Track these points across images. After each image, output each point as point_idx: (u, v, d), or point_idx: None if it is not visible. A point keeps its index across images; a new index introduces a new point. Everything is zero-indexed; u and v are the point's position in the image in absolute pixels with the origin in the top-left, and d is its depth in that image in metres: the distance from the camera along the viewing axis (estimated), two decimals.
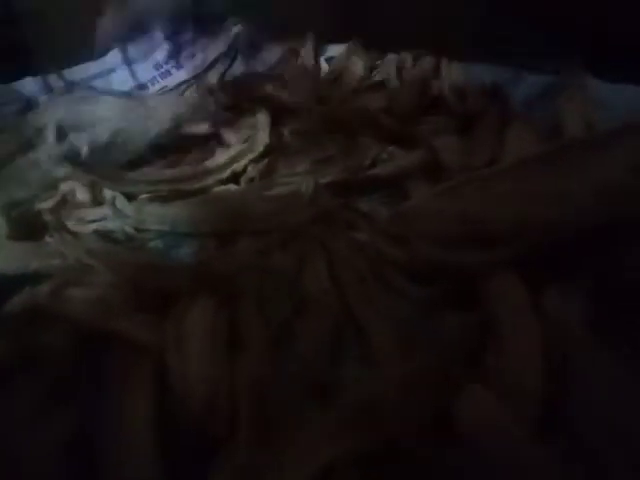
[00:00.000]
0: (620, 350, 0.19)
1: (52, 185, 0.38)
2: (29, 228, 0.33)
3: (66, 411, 0.21)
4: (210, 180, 0.36)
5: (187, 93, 0.57)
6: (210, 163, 0.39)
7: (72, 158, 0.39)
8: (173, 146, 0.42)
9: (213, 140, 0.43)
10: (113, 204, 0.32)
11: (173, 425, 0.20)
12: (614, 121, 0.33)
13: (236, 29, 0.60)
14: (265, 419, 0.19)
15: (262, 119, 0.41)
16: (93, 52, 0.58)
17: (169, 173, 0.37)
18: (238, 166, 0.36)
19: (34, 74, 0.55)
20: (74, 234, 0.30)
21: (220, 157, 0.39)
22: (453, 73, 0.48)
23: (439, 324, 0.24)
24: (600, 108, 0.37)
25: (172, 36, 0.60)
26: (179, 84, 0.59)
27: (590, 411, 0.17)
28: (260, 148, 0.38)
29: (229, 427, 0.19)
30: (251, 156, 0.37)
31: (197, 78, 0.60)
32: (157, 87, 0.59)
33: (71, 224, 0.32)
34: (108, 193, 0.33)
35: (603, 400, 0.17)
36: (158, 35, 0.59)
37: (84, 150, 0.40)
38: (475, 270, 0.23)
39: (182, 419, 0.19)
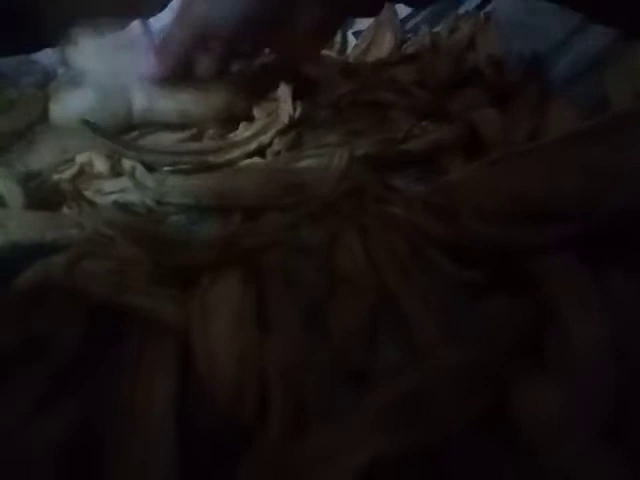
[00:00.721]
0: None
1: (69, 156, 0.36)
2: (46, 199, 0.32)
3: (72, 400, 0.19)
4: (236, 153, 0.34)
5: None
6: (235, 136, 0.37)
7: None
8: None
9: None
10: (133, 175, 0.30)
11: (197, 411, 0.18)
12: None
13: None
14: (298, 406, 0.17)
15: (284, 91, 0.39)
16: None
17: (194, 146, 0.36)
18: (265, 138, 0.34)
19: (52, 46, 0.53)
20: (92, 204, 0.29)
21: (245, 130, 0.37)
22: (489, 44, 0.45)
23: (488, 309, 0.22)
24: None
25: None
26: None
27: None
28: (285, 120, 0.36)
29: (259, 414, 0.17)
30: (276, 128, 0.35)
31: None
32: None
33: (89, 195, 0.31)
34: (127, 163, 0.32)
35: None
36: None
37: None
38: (531, 249, 0.21)
39: (207, 403, 0.18)
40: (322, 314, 0.22)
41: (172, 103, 0.37)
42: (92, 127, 0.33)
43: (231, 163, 0.34)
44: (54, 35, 0.54)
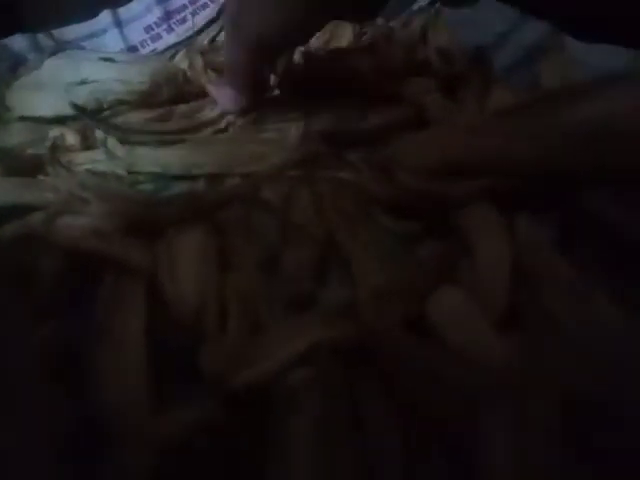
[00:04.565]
0: (583, 268, 0.21)
1: (42, 134, 0.38)
2: (21, 170, 0.34)
3: (54, 326, 0.21)
4: (209, 131, 0.36)
5: (177, 56, 0.58)
6: (203, 116, 0.39)
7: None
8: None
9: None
10: (105, 145, 0.33)
11: (164, 332, 0.21)
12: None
13: None
14: (253, 319, 0.20)
15: None
16: (83, 13, 0.58)
17: (171, 125, 0.38)
18: (232, 116, 0.37)
19: (23, 32, 0.55)
20: (68, 170, 0.31)
21: (212, 110, 0.40)
22: (439, 37, 0.49)
23: (419, 252, 0.25)
24: (578, 69, 0.39)
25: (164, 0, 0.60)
26: (169, 47, 0.59)
27: (552, 314, 0.19)
28: None
29: (218, 327, 0.20)
30: None
31: (187, 42, 0.60)
32: (147, 50, 0.59)
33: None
34: (100, 134, 0.34)
35: (565, 305, 0.19)
36: None
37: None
38: (454, 200, 0.24)
39: (173, 325, 0.20)
40: (277, 259, 0.25)
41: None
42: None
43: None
44: (25, 21, 0.56)
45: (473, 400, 0.15)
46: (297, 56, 0.46)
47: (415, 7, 0.55)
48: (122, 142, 0.34)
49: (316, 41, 0.55)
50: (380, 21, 0.55)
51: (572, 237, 0.23)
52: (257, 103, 0.36)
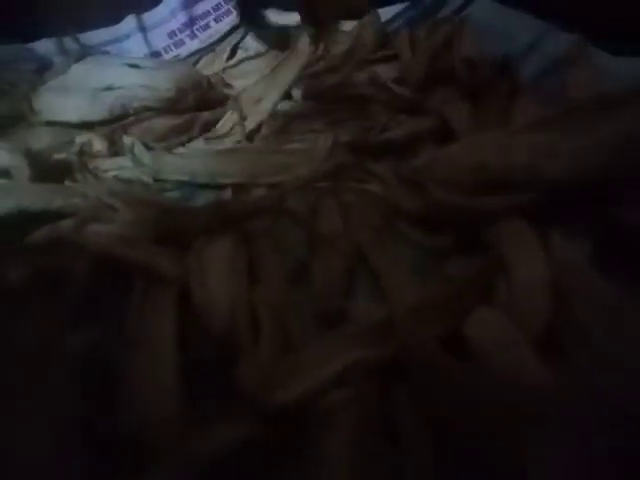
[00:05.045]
0: (618, 284, 0.20)
1: (68, 138, 0.39)
2: (49, 174, 0.34)
3: (84, 332, 0.21)
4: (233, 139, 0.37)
5: (200, 62, 0.58)
6: (222, 127, 0.40)
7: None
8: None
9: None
10: (131, 151, 0.33)
11: (196, 344, 0.21)
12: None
13: None
14: (284, 335, 0.20)
15: None
16: (108, 18, 0.59)
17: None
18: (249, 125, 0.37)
19: (49, 36, 0.55)
20: (96, 176, 0.31)
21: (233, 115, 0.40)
22: (464, 46, 0.48)
23: (450, 269, 0.25)
24: (605, 80, 0.38)
25: (188, 6, 0.61)
26: (192, 53, 0.60)
27: (589, 332, 0.18)
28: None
29: (250, 339, 0.20)
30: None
31: (210, 48, 0.61)
32: (170, 55, 0.60)
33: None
34: (127, 140, 0.34)
35: (602, 323, 0.18)
36: (174, 3, 0.60)
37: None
38: (487, 215, 0.24)
39: (205, 336, 0.20)
40: (305, 270, 0.25)
41: None
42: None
43: None
44: (51, 25, 0.56)
45: (516, 419, 0.15)
46: (322, 67, 0.46)
47: (440, 15, 0.55)
48: (148, 148, 0.34)
49: (339, 49, 0.55)
50: (404, 28, 0.55)
51: (606, 253, 0.22)
52: None
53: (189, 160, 0.33)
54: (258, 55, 0.54)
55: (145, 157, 0.33)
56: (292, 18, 0.59)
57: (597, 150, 0.26)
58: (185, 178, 0.33)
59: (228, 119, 0.41)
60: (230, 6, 0.62)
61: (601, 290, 0.19)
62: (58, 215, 0.29)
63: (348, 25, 0.58)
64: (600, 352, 0.18)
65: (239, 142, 0.38)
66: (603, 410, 0.16)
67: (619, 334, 0.18)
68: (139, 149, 0.33)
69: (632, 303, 0.19)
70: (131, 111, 0.41)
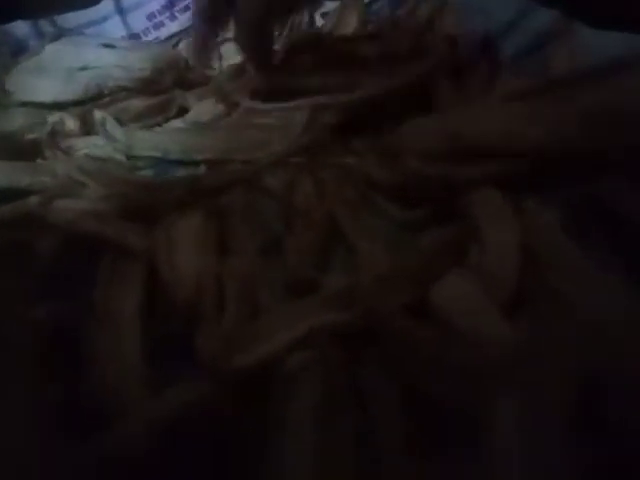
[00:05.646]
0: (590, 251, 0.20)
1: (41, 119, 0.38)
2: (20, 154, 0.33)
3: (50, 306, 0.21)
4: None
5: (180, 44, 0.57)
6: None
7: None
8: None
9: None
10: (103, 126, 0.32)
11: (163, 318, 0.20)
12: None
13: None
14: (251, 302, 0.19)
15: None
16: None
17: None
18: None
19: (25, 18, 0.54)
20: (67, 154, 0.30)
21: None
22: (446, 25, 0.48)
23: (423, 240, 0.24)
24: (588, 55, 0.38)
25: None
26: (172, 35, 0.59)
27: (560, 296, 0.18)
28: None
29: (215, 311, 0.19)
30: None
31: (190, 30, 0.59)
32: (150, 38, 0.59)
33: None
34: (98, 115, 0.33)
35: (573, 287, 0.18)
36: None
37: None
38: (462, 184, 0.24)
39: (171, 305, 0.20)
40: (279, 244, 0.24)
41: None
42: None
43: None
44: (27, 7, 0.55)
45: (481, 382, 0.15)
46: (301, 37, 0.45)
47: None
48: (120, 124, 0.33)
49: (322, 28, 0.54)
50: (386, 8, 0.55)
51: (582, 221, 0.22)
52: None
53: (162, 136, 0.33)
54: None
55: (117, 132, 0.32)
56: None
57: (576, 119, 0.25)
58: (158, 154, 0.32)
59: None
60: None
61: (573, 255, 0.19)
62: (26, 192, 0.28)
63: (331, 5, 0.57)
64: (569, 314, 0.18)
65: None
66: (564, 364, 0.16)
67: (589, 298, 0.18)
68: (111, 124, 0.32)
69: (604, 269, 0.19)
70: (106, 91, 0.40)
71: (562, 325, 0.17)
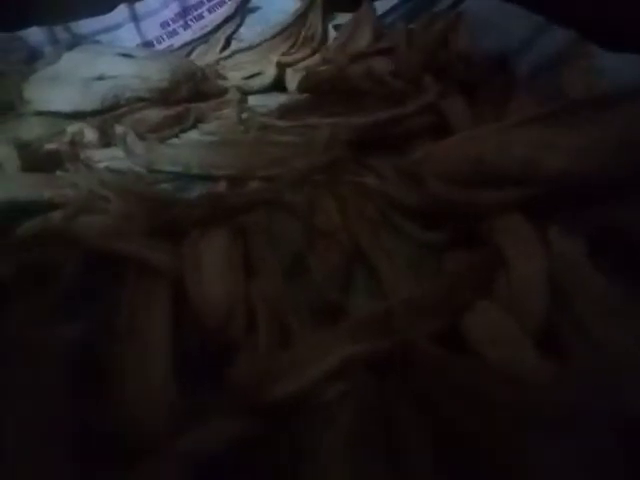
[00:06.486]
0: (615, 281, 0.20)
1: (59, 128, 0.38)
2: (40, 165, 0.33)
3: (75, 326, 0.21)
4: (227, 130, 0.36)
5: (194, 53, 0.57)
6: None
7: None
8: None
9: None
10: (124, 140, 0.32)
11: (190, 339, 0.20)
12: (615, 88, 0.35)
13: None
14: (281, 330, 0.19)
15: None
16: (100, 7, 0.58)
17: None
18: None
19: (39, 24, 0.54)
20: (88, 167, 0.31)
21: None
22: (460, 41, 0.48)
23: (446, 265, 0.25)
24: (603, 77, 0.38)
25: None
26: (185, 44, 0.59)
27: (587, 332, 0.18)
28: None
29: (246, 333, 0.19)
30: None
31: (203, 39, 0.60)
32: (163, 45, 0.59)
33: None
34: (119, 130, 0.33)
35: (599, 319, 0.18)
36: None
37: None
38: (485, 209, 0.24)
39: (200, 330, 0.20)
40: (302, 264, 0.24)
41: None
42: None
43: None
44: (41, 13, 0.55)
45: (517, 416, 0.15)
46: (317, 59, 0.46)
47: (436, 9, 0.55)
48: (140, 138, 0.34)
49: (335, 43, 0.54)
50: (400, 22, 0.55)
51: (604, 251, 0.22)
52: None
53: (183, 151, 0.33)
54: (252, 46, 0.53)
55: (138, 147, 0.32)
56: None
57: (594, 149, 0.25)
58: (179, 169, 0.32)
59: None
60: None
61: (599, 287, 0.19)
62: (49, 206, 0.28)
63: (344, 18, 0.57)
64: (599, 349, 0.18)
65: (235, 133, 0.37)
66: (601, 408, 0.16)
67: (617, 330, 0.18)
68: (132, 139, 0.33)
69: (629, 300, 0.19)
70: (123, 101, 0.40)
71: (591, 360, 0.17)
